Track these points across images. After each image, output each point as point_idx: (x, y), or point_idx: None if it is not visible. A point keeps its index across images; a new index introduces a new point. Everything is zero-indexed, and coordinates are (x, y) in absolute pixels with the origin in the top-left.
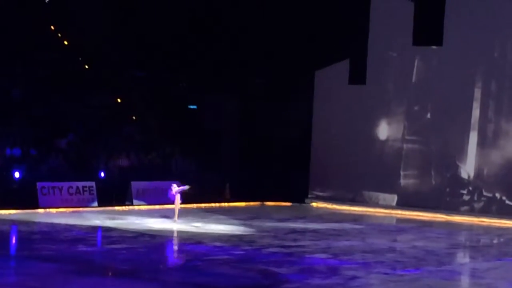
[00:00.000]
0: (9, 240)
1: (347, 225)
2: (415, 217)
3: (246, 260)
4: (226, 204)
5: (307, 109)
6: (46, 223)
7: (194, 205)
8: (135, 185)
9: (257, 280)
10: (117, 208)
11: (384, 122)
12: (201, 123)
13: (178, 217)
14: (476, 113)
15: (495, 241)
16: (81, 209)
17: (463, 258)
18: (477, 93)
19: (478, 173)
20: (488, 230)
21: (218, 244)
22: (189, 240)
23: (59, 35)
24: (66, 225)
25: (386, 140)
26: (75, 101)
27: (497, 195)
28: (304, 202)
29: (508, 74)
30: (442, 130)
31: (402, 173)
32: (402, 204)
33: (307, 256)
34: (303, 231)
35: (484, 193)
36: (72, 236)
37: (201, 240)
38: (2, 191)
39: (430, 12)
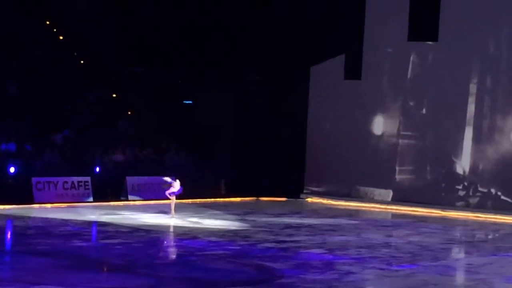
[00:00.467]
0: (4, 235)
1: (342, 220)
2: (410, 212)
3: (242, 255)
4: (221, 199)
5: (303, 104)
6: (41, 218)
7: (189, 200)
8: (130, 180)
9: (253, 275)
10: (112, 203)
11: (380, 117)
12: (197, 118)
13: (174, 212)
14: (471, 108)
15: (490, 237)
16: (76, 204)
17: (458, 253)
18: (473, 89)
19: (474, 169)
20: (483, 225)
21: (213, 239)
22: (185, 235)
23: (55, 30)
24: (61, 220)
25: (382, 136)
26: (71, 97)
27: (492, 190)
28: (299, 198)
29: (503, 70)
30: (437, 126)
31: (397, 168)
32: (398, 199)
33: (302, 251)
34: (298, 226)
35: (480, 189)
36: (67, 231)
37: (196, 235)
38: None
39: (425, 8)
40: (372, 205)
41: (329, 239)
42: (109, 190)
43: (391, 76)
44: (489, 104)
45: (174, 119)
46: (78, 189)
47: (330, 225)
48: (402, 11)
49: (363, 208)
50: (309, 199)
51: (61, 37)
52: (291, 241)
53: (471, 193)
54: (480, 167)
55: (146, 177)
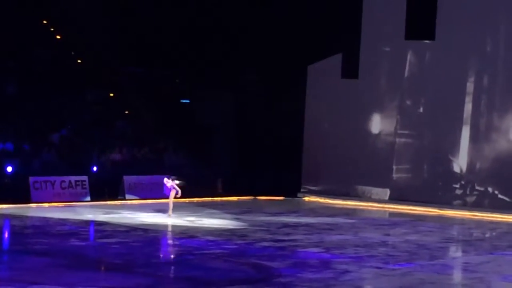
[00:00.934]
0: (2, 234)
1: (339, 219)
2: (407, 211)
3: (239, 254)
4: (218, 198)
5: (300, 103)
6: (39, 217)
7: (187, 200)
8: (128, 179)
9: (250, 274)
10: (109, 202)
11: (377, 116)
12: (194, 118)
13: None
14: (468, 107)
15: (487, 235)
16: (73, 203)
17: (455, 252)
18: (470, 88)
19: (471, 167)
20: (480, 224)
21: (210, 238)
22: (182, 234)
23: (52, 30)
24: (59, 219)
25: (379, 134)
26: (68, 96)
27: (490, 189)
28: (296, 196)
29: (500, 69)
30: (434, 124)
31: (394, 167)
32: (395, 198)
33: (300, 250)
34: (295, 225)
35: (477, 187)
36: (65, 231)
37: (194, 234)
38: None
39: (422, 7)
40: (370, 204)
41: (326, 238)
42: (106, 189)
43: (388, 75)
44: (486, 103)
45: (172, 119)
46: (76, 189)
47: (327, 224)
48: (399, 10)
49: (360, 207)
50: (307, 198)
51: (58, 37)
52: (289, 240)
53: (468, 192)
54: (477, 165)
55: (143, 176)
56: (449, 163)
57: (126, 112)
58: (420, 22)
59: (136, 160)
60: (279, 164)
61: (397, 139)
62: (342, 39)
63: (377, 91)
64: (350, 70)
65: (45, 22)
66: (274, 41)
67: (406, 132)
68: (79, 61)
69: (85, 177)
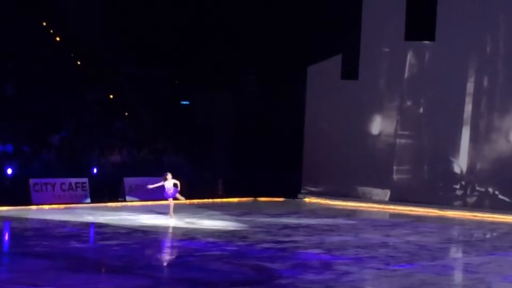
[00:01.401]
0: (2, 236)
1: (340, 221)
2: (408, 212)
3: (239, 255)
4: (219, 199)
5: (300, 104)
6: (39, 219)
7: (187, 201)
8: (128, 181)
9: (250, 275)
10: (110, 204)
11: (377, 117)
12: (194, 119)
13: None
14: (468, 108)
15: (488, 236)
16: (73, 205)
17: (456, 252)
18: (470, 88)
19: (471, 168)
20: (481, 224)
21: (211, 240)
22: (183, 236)
23: (51, 31)
24: (59, 221)
25: (379, 135)
26: (68, 97)
27: (490, 189)
28: (297, 198)
29: (501, 69)
30: (434, 125)
31: (395, 168)
32: (395, 199)
33: (300, 251)
34: (296, 227)
35: (477, 188)
36: (65, 233)
37: (194, 236)
38: None
39: (422, 7)
40: (370, 205)
41: (327, 239)
42: (106, 191)
43: (388, 75)
44: (486, 103)
45: (172, 120)
46: (76, 191)
47: (328, 225)
48: (399, 10)
49: (360, 208)
50: (307, 199)
51: (58, 38)
52: (289, 242)
53: (468, 193)
54: (478, 166)
55: (143, 178)
56: (449, 163)
57: (126, 113)
58: (420, 23)
59: (136, 161)
60: (280, 165)
61: (397, 140)
62: (342, 40)
63: (377, 92)
64: (350, 71)
65: (44, 23)
66: (274, 42)
67: (406, 132)
68: (78, 62)
69: (85, 179)
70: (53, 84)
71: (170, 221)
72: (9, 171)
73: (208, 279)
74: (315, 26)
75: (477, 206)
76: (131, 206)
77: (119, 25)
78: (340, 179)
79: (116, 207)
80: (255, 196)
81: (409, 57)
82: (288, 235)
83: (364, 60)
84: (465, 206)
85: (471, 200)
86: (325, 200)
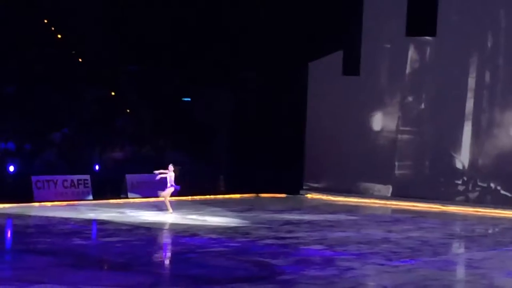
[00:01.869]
0: (4, 234)
1: (342, 216)
2: (410, 208)
3: (242, 252)
4: (221, 196)
5: (301, 100)
6: (41, 216)
7: (189, 197)
8: (130, 178)
9: (253, 271)
10: (112, 201)
11: (378, 113)
12: (195, 116)
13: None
14: (470, 103)
15: (490, 231)
16: (76, 202)
17: (458, 248)
18: (471, 83)
19: (473, 163)
20: (482, 220)
21: (213, 236)
22: (184, 233)
23: (52, 29)
24: (61, 218)
25: (381, 131)
26: (69, 95)
27: (492, 185)
28: (298, 194)
29: (502, 64)
30: (436, 121)
31: (396, 163)
32: (397, 194)
33: (302, 247)
34: (298, 223)
35: (479, 183)
36: (68, 229)
37: (196, 232)
38: None
39: (423, 3)
40: (372, 200)
41: (329, 235)
42: (108, 188)
43: (389, 71)
44: (488, 98)
45: (173, 116)
46: (78, 187)
47: (329, 221)
48: (400, 6)
49: (362, 204)
50: (309, 195)
51: (59, 36)
52: (291, 238)
53: (470, 188)
54: (479, 161)
55: (145, 175)
56: (451, 159)
57: (127, 110)
58: (421, 18)
59: (138, 158)
60: (281, 162)
61: (399, 136)
62: (343, 35)
63: (378, 87)
64: (351, 67)
65: (45, 21)
66: (275, 38)
67: (408, 128)
68: (79, 60)
69: (87, 176)
70: (54, 82)
71: (172, 217)
72: (11, 168)
73: (211, 276)
74: (316, 22)
75: (479, 202)
76: (133, 202)
77: (120, 23)
78: (342, 175)
79: (118, 204)
80: (257, 192)
81: (411, 53)
82: (290, 231)
83: (365, 56)
84: (467, 202)
85: (473, 195)
86: (327, 196)
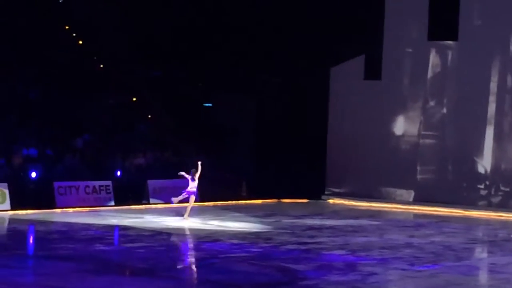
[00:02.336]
0: (27, 240)
1: (364, 221)
2: (432, 213)
3: (264, 257)
4: (242, 201)
5: (323, 105)
6: (63, 222)
7: (211, 203)
8: (152, 183)
9: (275, 277)
10: (133, 206)
11: (400, 117)
12: (217, 121)
13: (188, 214)
14: (492, 107)
15: None
16: (98, 208)
17: (481, 253)
18: (493, 88)
19: (495, 168)
20: (505, 224)
21: (235, 241)
22: (206, 238)
23: (74, 35)
24: (83, 224)
25: (402, 136)
26: (91, 101)
27: None
28: (320, 199)
29: None
30: (458, 125)
31: (418, 168)
32: (419, 199)
33: (325, 252)
34: (320, 228)
35: (502, 188)
36: (90, 235)
37: (218, 238)
38: (19, 191)
39: (445, 7)
40: (394, 205)
41: (351, 240)
42: (130, 194)
43: (411, 76)
44: (510, 102)
45: (194, 122)
46: (100, 193)
47: (352, 226)
48: (422, 10)
49: (385, 209)
50: (331, 200)
51: (80, 42)
52: (313, 243)
53: (493, 192)
54: (502, 166)
55: (167, 180)
56: (473, 163)
57: (149, 116)
58: (443, 23)
59: (159, 164)
60: (303, 167)
61: (421, 140)
62: (364, 40)
63: (400, 92)
64: (373, 71)
65: (67, 27)
66: (297, 43)
67: (430, 133)
68: (101, 65)
69: (109, 182)
70: (76, 89)
71: (193, 223)
72: (34, 174)
73: (233, 281)
74: (338, 27)
75: (502, 206)
76: (155, 208)
77: (141, 29)
78: (364, 180)
79: (140, 210)
80: (279, 197)
81: (432, 57)
82: (313, 236)
83: (387, 60)
84: (489, 206)
85: (495, 200)
86: (349, 201)
